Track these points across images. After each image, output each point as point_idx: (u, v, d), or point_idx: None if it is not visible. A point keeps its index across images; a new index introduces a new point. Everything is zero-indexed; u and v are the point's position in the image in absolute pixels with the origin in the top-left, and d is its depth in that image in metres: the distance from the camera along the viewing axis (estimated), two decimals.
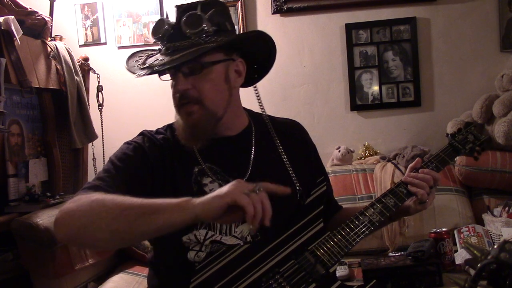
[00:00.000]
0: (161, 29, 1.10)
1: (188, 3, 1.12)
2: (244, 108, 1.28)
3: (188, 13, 1.08)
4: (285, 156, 1.23)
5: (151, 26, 2.65)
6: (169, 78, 1.15)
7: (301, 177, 1.22)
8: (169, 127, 1.23)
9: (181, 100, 1.11)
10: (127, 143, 1.18)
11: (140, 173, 1.11)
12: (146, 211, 0.90)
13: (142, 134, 1.20)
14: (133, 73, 1.12)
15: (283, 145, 1.24)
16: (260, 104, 1.27)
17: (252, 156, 1.18)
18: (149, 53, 1.18)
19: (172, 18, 1.12)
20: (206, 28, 1.08)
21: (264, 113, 1.29)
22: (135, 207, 0.91)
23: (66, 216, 0.95)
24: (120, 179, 1.07)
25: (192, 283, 1.02)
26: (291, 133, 1.31)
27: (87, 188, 1.04)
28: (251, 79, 1.27)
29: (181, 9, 1.11)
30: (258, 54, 1.22)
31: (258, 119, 1.27)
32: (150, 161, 1.12)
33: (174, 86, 1.13)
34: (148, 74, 1.09)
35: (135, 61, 1.17)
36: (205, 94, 1.10)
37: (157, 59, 1.10)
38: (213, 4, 1.11)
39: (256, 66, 1.25)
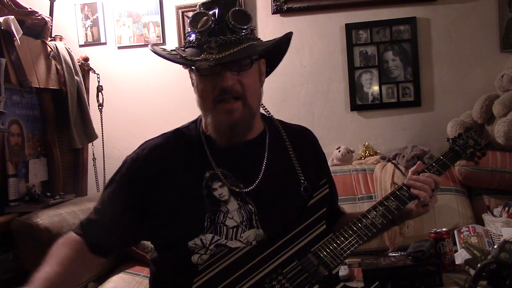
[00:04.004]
0: (202, 22, 1.07)
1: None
2: None
3: (233, 8, 1.08)
4: (296, 162, 1.22)
5: (151, 26, 2.68)
6: (206, 73, 1.08)
7: (310, 183, 1.22)
8: (178, 131, 1.22)
9: (222, 95, 1.07)
10: (119, 169, 1.19)
11: (127, 206, 1.15)
12: None
13: (141, 148, 1.20)
14: (187, 62, 1.07)
15: (295, 151, 1.24)
16: (264, 108, 1.28)
17: (265, 161, 1.18)
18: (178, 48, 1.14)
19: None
20: (251, 25, 1.10)
21: (272, 117, 1.29)
22: None
23: None
24: (106, 219, 1.16)
25: (195, 283, 1.02)
26: (303, 140, 1.30)
27: (79, 227, 1.18)
28: None
29: (220, 3, 1.09)
30: (275, 54, 1.23)
31: (270, 123, 1.27)
32: (144, 180, 1.14)
33: (214, 81, 1.07)
34: (210, 65, 1.04)
35: (170, 53, 1.12)
36: (248, 89, 1.09)
37: (205, 52, 1.04)
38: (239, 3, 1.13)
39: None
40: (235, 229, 1.11)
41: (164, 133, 1.22)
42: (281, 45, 1.19)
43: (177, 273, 1.13)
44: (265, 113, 1.29)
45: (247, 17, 1.09)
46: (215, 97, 1.08)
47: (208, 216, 1.10)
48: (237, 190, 1.13)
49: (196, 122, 1.23)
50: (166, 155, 1.16)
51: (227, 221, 1.11)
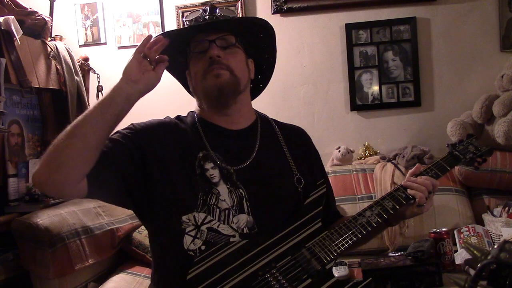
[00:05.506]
0: (196, 16, 1.25)
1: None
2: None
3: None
4: (288, 154, 1.27)
5: (151, 26, 2.68)
6: (198, 49, 1.22)
7: (302, 174, 1.25)
8: (178, 116, 1.31)
9: (212, 65, 1.18)
10: (128, 126, 1.25)
11: (128, 149, 1.16)
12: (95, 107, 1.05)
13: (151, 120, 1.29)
14: (187, 26, 1.25)
15: (287, 145, 1.29)
16: None
17: (256, 147, 1.24)
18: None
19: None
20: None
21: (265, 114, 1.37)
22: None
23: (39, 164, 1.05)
24: (108, 161, 1.11)
25: (189, 274, 1.05)
26: (296, 137, 1.36)
27: None
28: (256, 91, 1.40)
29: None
30: (263, 59, 1.34)
31: (264, 119, 1.35)
32: (146, 137, 1.19)
33: (205, 53, 1.20)
34: (204, 23, 1.22)
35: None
36: (234, 65, 1.20)
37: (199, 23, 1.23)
38: None
39: (259, 76, 1.37)
40: (227, 211, 1.14)
41: (167, 116, 1.32)
42: (259, 27, 1.28)
43: (173, 264, 1.14)
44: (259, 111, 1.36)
45: (232, 11, 1.28)
46: (205, 68, 1.19)
47: (201, 195, 1.14)
48: (229, 168, 1.18)
49: (193, 111, 1.32)
50: (167, 128, 1.24)
51: (220, 203, 1.14)
